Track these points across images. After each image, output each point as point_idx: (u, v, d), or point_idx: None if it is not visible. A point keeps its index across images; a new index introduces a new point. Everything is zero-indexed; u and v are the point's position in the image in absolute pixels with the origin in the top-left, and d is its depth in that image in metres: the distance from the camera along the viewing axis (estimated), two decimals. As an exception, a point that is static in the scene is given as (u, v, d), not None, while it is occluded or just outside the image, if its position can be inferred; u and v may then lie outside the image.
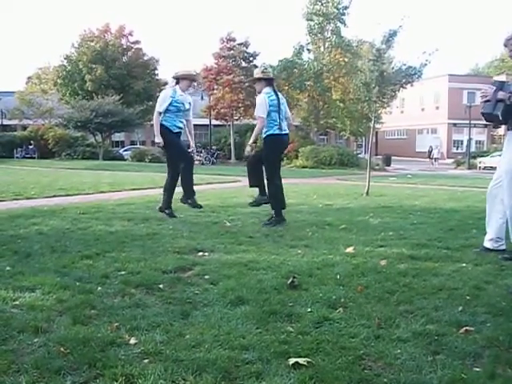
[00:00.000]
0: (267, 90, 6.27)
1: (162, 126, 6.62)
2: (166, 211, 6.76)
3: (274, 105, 6.20)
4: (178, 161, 6.71)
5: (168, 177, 6.79)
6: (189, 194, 6.78)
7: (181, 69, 6.93)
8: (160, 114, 6.62)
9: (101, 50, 40.96)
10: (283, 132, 6.30)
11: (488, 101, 4.50)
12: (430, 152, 41.95)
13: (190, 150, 7.18)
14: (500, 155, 4.93)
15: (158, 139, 6.59)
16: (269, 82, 6.35)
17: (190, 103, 6.86)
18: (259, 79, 6.37)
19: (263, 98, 6.18)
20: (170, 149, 6.72)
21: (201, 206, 6.87)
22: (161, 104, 6.62)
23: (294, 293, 3.40)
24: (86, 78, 40.07)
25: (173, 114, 6.63)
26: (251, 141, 6.39)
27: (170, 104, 6.58)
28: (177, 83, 6.78)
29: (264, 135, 6.31)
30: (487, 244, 4.78)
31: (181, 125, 6.78)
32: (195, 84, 7.07)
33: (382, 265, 4.19)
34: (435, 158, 40.73)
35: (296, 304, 3.16)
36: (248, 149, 6.52)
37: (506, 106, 4.36)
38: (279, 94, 6.42)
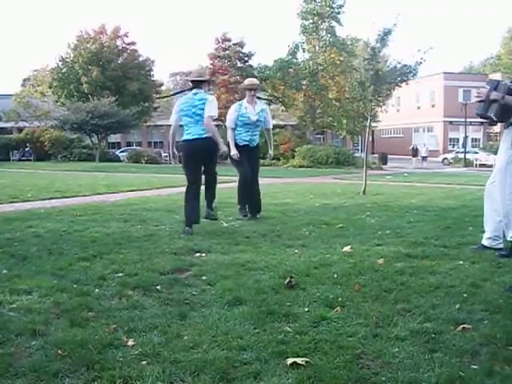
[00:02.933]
0: None
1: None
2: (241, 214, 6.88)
3: None
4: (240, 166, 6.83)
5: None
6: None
7: (247, 80, 7.24)
8: (232, 129, 6.90)
9: (96, 51, 40.87)
10: None
11: (483, 101, 4.54)
12: (414, 150, 38.15)
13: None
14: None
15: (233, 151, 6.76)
16: None
17: (261, 112, 6.87)
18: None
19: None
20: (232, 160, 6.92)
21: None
22: (229, 119, 6.95)
23: (291, 292, 3.40)
24: (82, 80, 39.96)
25: (240, 128, 6.87)
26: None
27: (237, 118, 6.84)
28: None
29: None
30: (485, 242, 4.79)
31: (248, 138, 6.87)
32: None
33: (379, 263, 4.19)
34: (423, 157, 37.35)
35: (293, 304, 3.16)
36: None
37: (500, 106, 4.39)
38: None
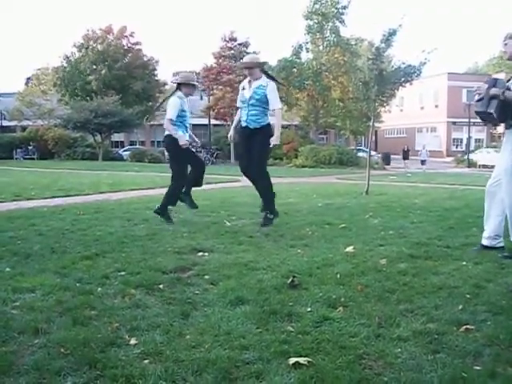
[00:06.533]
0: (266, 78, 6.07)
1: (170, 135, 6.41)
2: (163, 217, 6.40)
3: None
4: (185, 170, 6.58)
5: (172, 183, 6.60)
6: (188, 191, 6.70)
7: (182, 71, 6.77)
8: (172, 121, 6.35)
9: (104, 50, 41.03)
10: None
11: (482, 99, 4.49)
12: (405, 152, 33.19)
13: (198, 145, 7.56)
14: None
15: (182, 140, 6.29)
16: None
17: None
18: (257, 66, 6.04)
19: (275, 87, 6.00)
20: (180, 158, 6.49)
21: (196, 207, 6.81)
22: (173, 111, 6.36)
23: (293, 292, 3.40)
24: (89, 79, 40.08)
25: (180, 123, 6.46)
26: (279, 133, 6.03)
27: (178, 114, 6.41)
28: (177, 88, 6.55)
29: (265, 123, 6.11)
30: (485, 242, 4.78)
31: (188, 131, 6.65)
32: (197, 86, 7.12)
33: (381, 264, 4.19)
34: (422, 160, 32.71)
35: (296, 303, 3.16)
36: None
37: (500, 102, 4.32)
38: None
